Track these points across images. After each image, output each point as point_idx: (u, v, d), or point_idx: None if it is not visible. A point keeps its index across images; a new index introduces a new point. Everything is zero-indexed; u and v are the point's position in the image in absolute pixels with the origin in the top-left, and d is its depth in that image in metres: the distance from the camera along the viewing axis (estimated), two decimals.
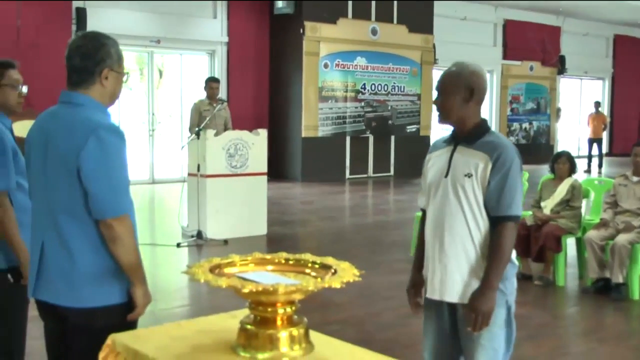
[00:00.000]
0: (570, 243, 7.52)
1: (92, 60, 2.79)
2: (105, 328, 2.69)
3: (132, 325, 2.84)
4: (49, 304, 2.83)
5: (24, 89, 3.65)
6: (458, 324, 3.17)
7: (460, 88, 3.09)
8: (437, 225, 3.13)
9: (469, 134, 3.13)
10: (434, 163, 3.25)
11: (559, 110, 23.28)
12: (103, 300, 2.75)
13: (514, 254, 3.18)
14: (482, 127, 3.15)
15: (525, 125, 22.63)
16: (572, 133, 24.47)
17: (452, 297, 3.11)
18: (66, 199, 2.71)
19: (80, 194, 2.68)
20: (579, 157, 21.45)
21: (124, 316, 2.80)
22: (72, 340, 2.82)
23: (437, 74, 19.27)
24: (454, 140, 3.18)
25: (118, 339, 2.57)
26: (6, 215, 3.41)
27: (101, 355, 2.58)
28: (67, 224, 2.72)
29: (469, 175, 3.05)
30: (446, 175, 3.12)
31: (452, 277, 3.09)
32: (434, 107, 3.19)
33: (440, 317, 3.22)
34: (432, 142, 3.45)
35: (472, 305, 3.01)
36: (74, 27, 13.74)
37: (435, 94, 3.21)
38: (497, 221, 3.04)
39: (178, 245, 8.86)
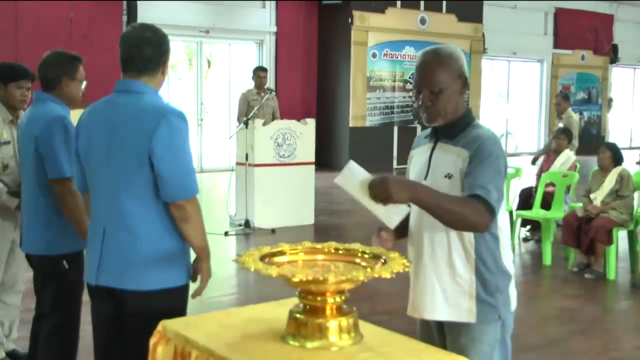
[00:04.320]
0: (622, 236, 7.39)
1: (159, 51, 2.92)
2: (162, 312, 2.76)
3: (183, 312, 2.92)
4: (106, 289, 2.88)
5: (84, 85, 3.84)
6: (447, 344, 2.81)
7: (455, 80, 2.71)
8: (416, 233, 2.79)
9: (451, 128, 2.73)
10: (415, 162, 2.88)
11: (610, 100, 22.81)
12: (166, 282, 2.85)
13: (510, 264, 2.79)
14: (466, 119, 2.75)
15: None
16: (624, 124, 23.99)
17: (437, 315, 2.77)
18: (134, 184, 2.79)
19: (149, 177, 2.77)
20: (631, 148, 21.08)
21: (180, 300, 2.92)
22: (128, 324, 2.88)
23: (486, 64, 19.08)
24: (435, 136, 2.81)
25: (169, 325, 2.60)
26: (75, 201, 3.49)
27: (152, 341, 2.62)
28: (133, 209, 2.80)
29: (449, 176, 2.65)
30: (425, 177, 2.74)
31: (433, 294, 2.75)
32: (423, 107, 2.73)
33: (430, 335, 2.91)
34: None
35: (387, 177, 2.47)
36: (124, 19, 13.91)
37: (417, 92, 2.76)
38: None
39: (226, 234, 8.94)
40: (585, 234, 7.11)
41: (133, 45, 2.88)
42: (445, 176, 2.67)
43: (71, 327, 3.76)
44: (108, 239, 2.85)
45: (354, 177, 2.51)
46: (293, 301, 2.52)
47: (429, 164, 2.76)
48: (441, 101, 2.69)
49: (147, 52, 2.88)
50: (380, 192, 2.45)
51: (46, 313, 3.76)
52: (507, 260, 2.78)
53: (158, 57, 2.92)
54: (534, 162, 9.81)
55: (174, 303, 2.88)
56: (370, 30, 16.63)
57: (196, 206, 2.82)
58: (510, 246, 2.85)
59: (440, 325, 2.84)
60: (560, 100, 10.52)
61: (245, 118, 9.42)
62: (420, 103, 2.74)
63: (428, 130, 2.90)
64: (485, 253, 2.70)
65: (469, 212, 2.52)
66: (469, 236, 2.67)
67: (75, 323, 3.78)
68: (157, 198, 2.81)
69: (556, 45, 21.39)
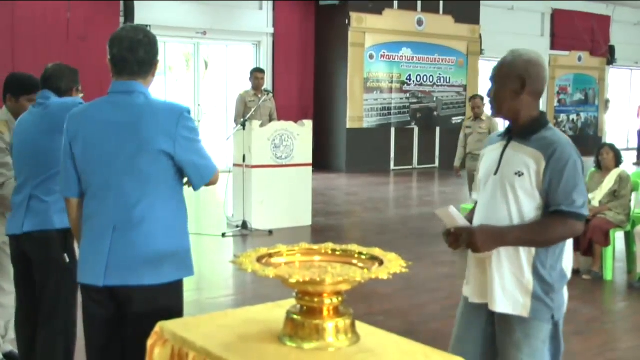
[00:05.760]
0: (619, 237, 7.40)
1: (152, 53, 2.96)
2: (166, 307, 2.83)
3: (182, 309, 2.98)
4: (111, 289, 2.86)
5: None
6: (496, 334, 3.01)
7: (512, 78, 2.91)
8: (482, 224, 2.93)
9: (524, 129, 2.92)
10: (486, 159, 3.06)
11: (607, 101, 22.83)
12: (180, 274, 2.93)
13: (570, 265, 2.97)
14: (539, 122, 2.93)
15: (573, 116, 22.28)
16: (621, 125, 24.01)
17: (492, 304, 2.94)
18: (151, 180, 2.84)
19: (167, 173, 2.87)
20: (628, 149, 21.10)
21: (181, 294, 3.00)
22: (132, 322, 2.87)
23: (483, 65, 19.11)
24: (508, 135, 2.99)
25: (166, 326, 2.60)
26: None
27: (149, 342, 2.62)
28: (150, 205, 2.83)
29: (520, 174, 2.84)
30: (495, 173, 2.94)
31: (492, 284, 2.91)
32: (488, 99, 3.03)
33: (479, 322, 3.06)
34: None
35: (474, 229, 2.83)
36: (121, 20, 13.91)
37: (488, 84, 3.05)
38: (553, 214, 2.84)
39: (223, 235, 8.93)
40: (583, 235, 7.11)
41: (127, 48, 2.88)
42: (516, 173, 2.86)
43: (73, 324, 3.77)
44: (119, 238, 2.83)
45: (451, 217, 2.89)
46: (290, 302, 2.52)
47: (500, 160, 2.94)
48: (496, 94, 2.96)
49: (141, 54, 2.90)
50: (468, 244, 2.82)
51: (48, 312, 3.74)
52: (567, 263, 2.95)
53: (151, 59, 2.95)
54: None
55: (178, 296, 2.96)
56: (367, 31, 16.64)
57: (218, 172, 3.07)
58: (572, 249, 3.01)
59: (491, 315, 2.99)
60: (480, 103, 9.78)
61: (242, 119, 9.43)
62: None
63: (502, 130, 3.10)
64: (546, 253, 2.87)
65: (558, 232, 2.82)
66: None
67: (75, 319, 3.79)
68: (172, 192, 2.90)
69: (553, 46, 21.41)
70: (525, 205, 2.86)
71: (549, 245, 2.86)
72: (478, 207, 3.05)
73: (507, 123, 3.05)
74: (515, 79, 2.91)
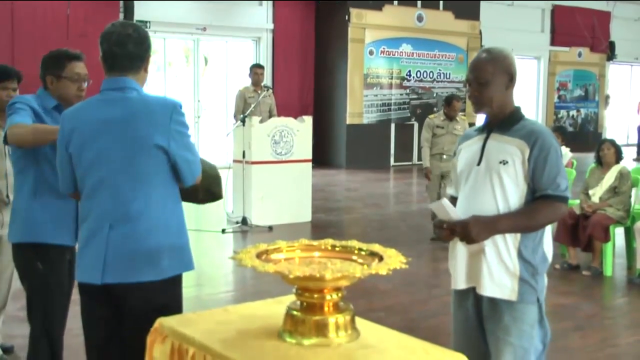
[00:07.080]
0: (619, 232, 7.40)
1: (142, 48, 2.93)
2: (165, 303, 2.83)
3: (180, 308, 2.96)
4: (109, 287, 2.84)
5: (85, 84, 3.63)
6: (483, 319, 3.06)
7: (502, 74, 3.02)
8: (467, 214, 2.96)
9: (504, 121, 3.04)
10: (465, 152, 3.14)
11: (607, 97, 22.82)
12: (178, 269, 2.93)
13: (550, 250, 3.05)
14: (517, 114, 3.07)
15: (573, 112, 22.26)
16: (621, 121, 23.99)
17: (481, 289, 2.98)
18: (148, 177, 2.82)
19: (163, 169, 2.84)
20: (628, 145, 21.09)
21: (180, 288, 3.00)
22: (131, 319, 2.86)
23: None
24: (487, 128, 3.08)
25: (166, 322, 2.60)
26: (32, 127, 3.36)
27: (149, 338, 2.62)
28: (146, 201, 2.82)
29: (505, 162, 2.94)
30: (479, 163, 3.02)
31: (479, 269, 2.97)
32: (471, 97, 3.06)
33: (466, 309, 3.12)
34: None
35: (468, 221, 2.87)
36: (121, 16, 13.91)
37: (468, 83, 3.07)
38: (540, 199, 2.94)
39: (223, 231, 8.94)
40: (583, 231, 7.11)
41: (115, 42, 2.87)
42: (500, 162, 2.95)
43: (57, 328, 3.68)
44: (116, 235, 2.82)
45: (445, 210, 2.93)
46: (290, 298, 2.52)
47: (482, 151, 3.03)
48: (486, 92, 3.01)
49: (130, 48, 2.88)
50: (463, 236, 2.88)
51: (28, 315, 3.70)
52: (548, 247, 3.04)
53: (141, 54, 2.93)
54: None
55: (177, 292, 2.96)
56: (367, 27, 16.62)
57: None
58: (551, 233, 3.11)
59: (478, 299, 3.04)
60: (460, 104, 8.89)
61: (242, 115, 9.43)
62: (469, 94, 3.08)
63: (477, 126, 3.21)
64: (528, 237, 2.96)
65: (546, 215, 2.94)
66: None
67: (59, 324, 3.69)
68: (168, 187, 2.88)
69: (553, 42, 21.39)
70: (510, 192, 2.94)
71: (539, 229, 2.97)
72: (460, 199, 3.10)
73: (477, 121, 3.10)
74: (505, 74, 3.03)
